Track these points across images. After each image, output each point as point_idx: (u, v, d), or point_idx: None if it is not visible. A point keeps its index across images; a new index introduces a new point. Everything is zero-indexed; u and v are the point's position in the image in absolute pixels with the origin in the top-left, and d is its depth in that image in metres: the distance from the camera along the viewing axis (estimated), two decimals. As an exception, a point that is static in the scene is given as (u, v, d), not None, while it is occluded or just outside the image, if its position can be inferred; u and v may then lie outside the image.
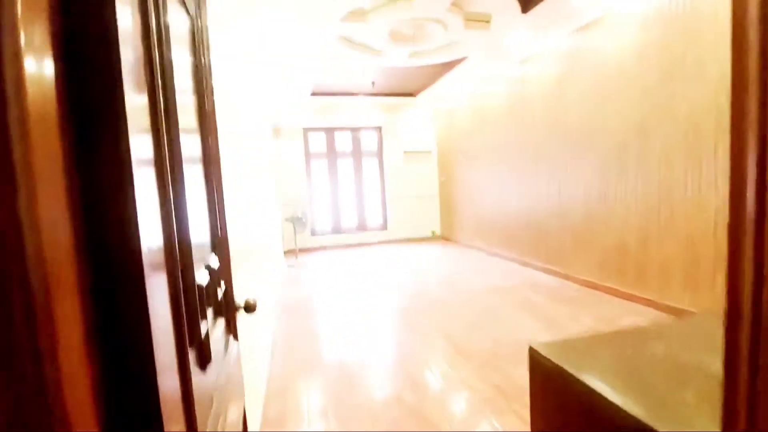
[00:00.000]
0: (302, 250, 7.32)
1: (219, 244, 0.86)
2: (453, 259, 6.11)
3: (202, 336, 0.60)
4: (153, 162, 0.46)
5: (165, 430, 0.42)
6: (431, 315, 3.55)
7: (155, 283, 0.43)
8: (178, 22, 0.64)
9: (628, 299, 3.56)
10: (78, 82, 0.36)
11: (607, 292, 3.81)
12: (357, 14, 3.75)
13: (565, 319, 3.24)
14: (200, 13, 0.86)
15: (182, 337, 0.51)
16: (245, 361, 1.50)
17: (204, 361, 0.61)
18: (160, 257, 0.46)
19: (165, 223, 0.48)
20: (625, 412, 0.79)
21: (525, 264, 5.19)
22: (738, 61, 0.45)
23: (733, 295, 0.46)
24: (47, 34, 0.32)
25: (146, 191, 0.42)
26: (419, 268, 5.57)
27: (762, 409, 0.45)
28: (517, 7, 3.63)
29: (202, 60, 0.85)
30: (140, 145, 0.42)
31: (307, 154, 7.54)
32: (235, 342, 0.94)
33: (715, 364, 0.90)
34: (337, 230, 7.77)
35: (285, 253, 7.07)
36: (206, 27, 0.90)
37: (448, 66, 5.54)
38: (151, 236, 0.42)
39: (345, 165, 7.76)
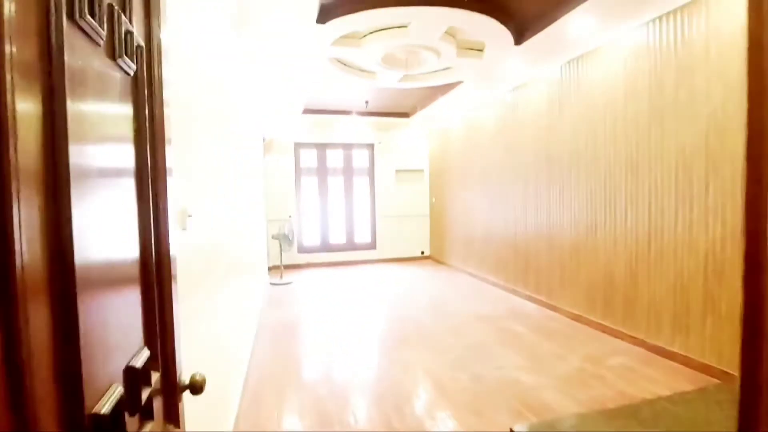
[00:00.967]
0: (288, 267, 7.17)
1: (151, 317, 0.75)
2: (441, 282, 6.01)
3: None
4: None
5: None
6: (415, 345, 3.43)
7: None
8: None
9: (615, 336, 3.48)
10: None
11: (593, 327, 3.73)
12: (350, 39, 3.72)
13: (551, 357, 3.15)
14: (151, 24, 0.77)
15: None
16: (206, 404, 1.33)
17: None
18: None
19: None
20: None
21: (512, 291, 5.11)
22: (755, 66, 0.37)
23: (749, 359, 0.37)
24: None
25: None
26: (407, 290, 5.46)
27: None
28: (510, 39, 3.62)
29: (154, 72, 0.77)
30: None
31: (298, 170, 7.46)
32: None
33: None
34: (325, 248, 7.65)
35: (270, 268, 6.92)
36: (159, 39, 0.81)
37: (443, 88, 5.53)
38: None
39: (336, 182, 7.69)
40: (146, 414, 0.67)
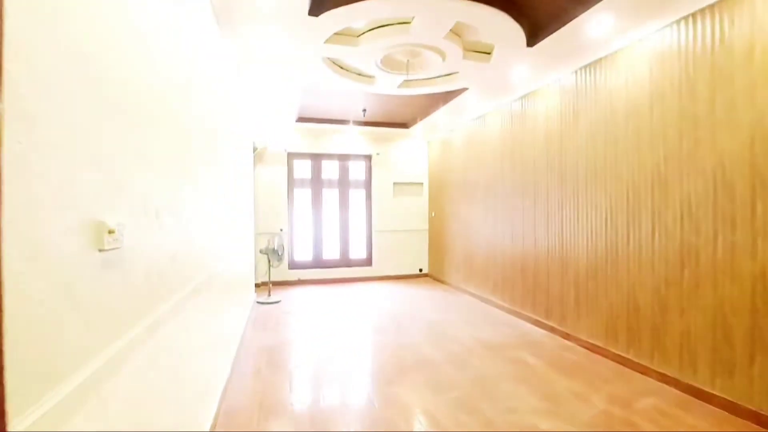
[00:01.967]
0: (278, 284, 6.73)
1: None
2: (441, 303, 5.59)
3: None
4: None
5: None
6: (414, 379, 3.00)
7: None
8: None
9: (642, 372, 3.07)
10: None
11: (615, 360, 3.32)
12: (346, 37, 3.39)
13: (571, 397, 2.73)
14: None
15: None
16: None
17: None
18: None
19: None
20: None
21: (520, 315, 4.70)
22: None
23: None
24: None
25: None
26: (405, 312, 5.04)
27: None
28: (523, 40, 3.31)
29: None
30: None
31: (291, 181, 7.08)
32: None
33: None
34: (318, 264, 7.22)
35: (258, 285, 6.48)
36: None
37: (445, 97, 5.22)
38: None
39: (331, 194, 7.31)
40: None
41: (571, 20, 2.94)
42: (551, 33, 3.15)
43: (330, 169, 7.30)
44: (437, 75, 4.26)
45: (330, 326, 4.48)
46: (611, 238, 3.41)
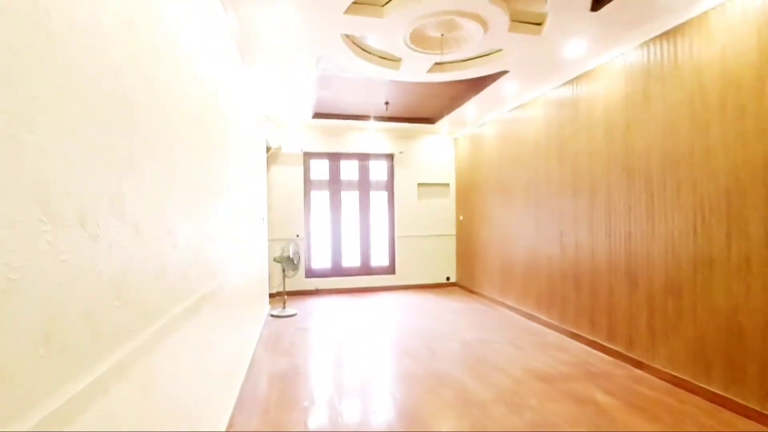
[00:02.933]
0: (294, 294, 6.22)
1: None
2: (476, 318, 4.95)
3: None
4: None
5: None
6: (459, 426, 2.40)
7: None
8: None
9: (747, 416, 2.38)
10: None
11: (706, 397, 2.64)
12: (369, 6, 2.83)
13: (671, 457, 2.08)
14: None
15: None
16: None
17: None
18: None
19: None
20: None
21: (571, 335, 4.03)
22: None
23: None
24: None
25: None
26: (435, 330, 4.42)
27: None
28: (586, 4, 2.68)
29: None
30: None
31: (307, 183, 6.57)
32: None
33: None
34: (336, 272, 6.68)
35: (273, 295, 5.98)
36: None
37: (476, 86, 4.61)
38: None
39: (350, 197, 6.77)
40: None
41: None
42: (625, -9, 2.52)
43: (349, 170, 6.77)
44: (474, 56, 3.66)
45: (351, 348, 3.91)
46: (702, 249, 2.73)
